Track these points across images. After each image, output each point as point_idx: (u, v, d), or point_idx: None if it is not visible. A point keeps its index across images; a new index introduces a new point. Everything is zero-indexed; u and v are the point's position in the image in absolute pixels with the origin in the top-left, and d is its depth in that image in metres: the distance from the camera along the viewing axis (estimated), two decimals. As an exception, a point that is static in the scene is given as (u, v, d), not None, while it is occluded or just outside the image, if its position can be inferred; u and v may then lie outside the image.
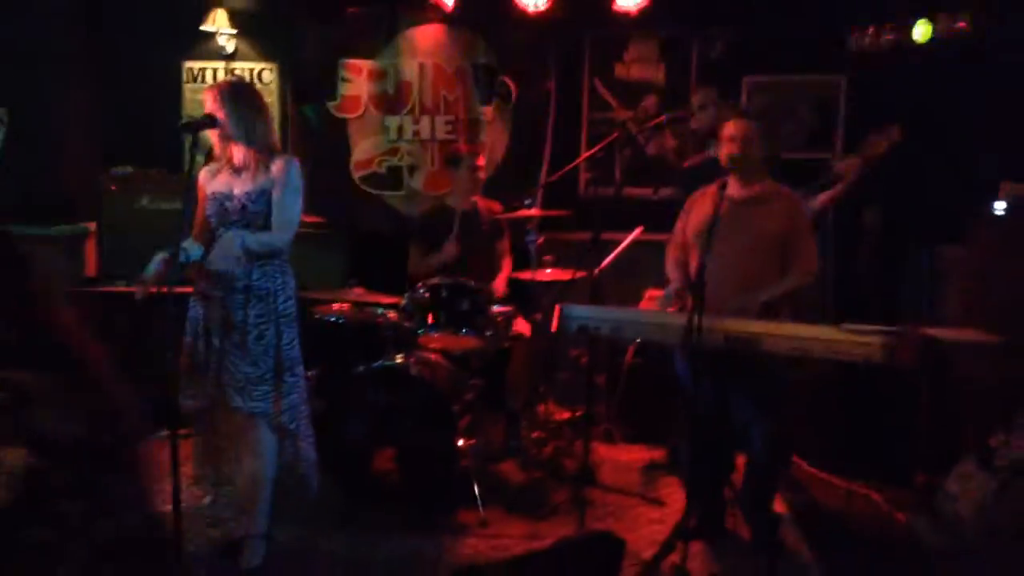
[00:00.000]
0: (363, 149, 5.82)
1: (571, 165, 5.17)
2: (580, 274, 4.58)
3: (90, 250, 5.43)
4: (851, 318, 3.25)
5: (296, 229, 3.52)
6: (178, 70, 5.90)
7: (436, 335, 4.32)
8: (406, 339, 4.30)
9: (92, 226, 5.40)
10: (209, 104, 3.40)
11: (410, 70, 5.74)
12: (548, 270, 4.83)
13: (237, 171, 3.49)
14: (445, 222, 4.97)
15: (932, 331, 3.41)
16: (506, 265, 5.03)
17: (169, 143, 5.66)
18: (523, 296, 4.93)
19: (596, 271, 4.86)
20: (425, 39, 5.72)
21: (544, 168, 5.68)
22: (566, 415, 5.08)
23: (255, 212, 3.44)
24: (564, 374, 5.42)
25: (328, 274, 5.37)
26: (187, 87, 5.90)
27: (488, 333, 4.37)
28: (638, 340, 4.75)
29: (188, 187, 3.31)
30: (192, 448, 3.63)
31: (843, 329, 3.16)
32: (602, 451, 5.00)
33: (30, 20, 5.38)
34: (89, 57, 5.74)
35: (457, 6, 5.56)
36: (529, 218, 4.84)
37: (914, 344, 3.29)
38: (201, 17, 5.71)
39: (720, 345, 3.27)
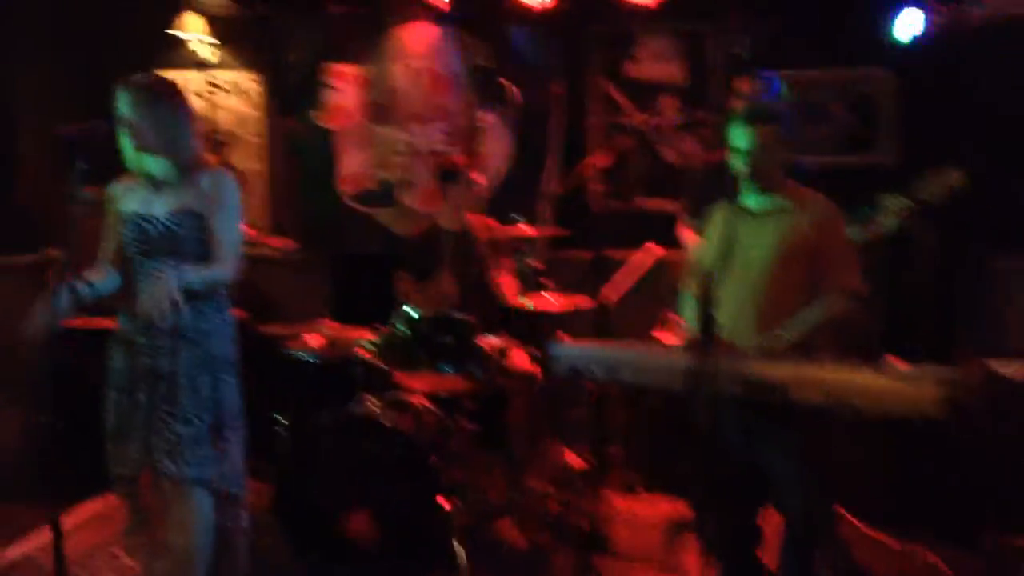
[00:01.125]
0: (352, 163, 5.29)
1: (580, 174, 4.60)
2: (585, 301, 3.99)
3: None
4: (900, 346, 2.64)
5: (239, 257, 2.97)
6: (150, 81, 5.40)
7: (415, 375, 3.77)
8: (379, 380, 3.74)
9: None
10: (123, 108, 2.86)
11: (400, 75, 5.20)
12: (549, 296, 4.24)
13: (157, 187, 2.95)
14: (436, 246, 4.42)
15: (997, 365, 2.77)
16: (508, 287, 4.43)
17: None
18: (521, 326, 4.34)
19: (611, 297, 4.30)
20: (416, 40, 5.19)
21: (550, 180, 5.09)
22: (578, 462, 4.47)
23: (183, 236, 2.90)
24: (577, 412, 4.80)
25: (307, 303, 4.86)
26: (162, 100, 5.40)
27: (476, 370, 3.80)
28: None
29: (69, 210, 2.74)
30: (125, 513, 3.11)
31: (888, 372, 2.53)
32: (618, 504, 4.35)
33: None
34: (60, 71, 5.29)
35: (452, 3, 5.02)
36: (524, 238, 4.24)
37: (977, 383, 2.67)
38: (171, 21, 5.22)
39: (738, 393, 2.66)
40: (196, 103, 5.31)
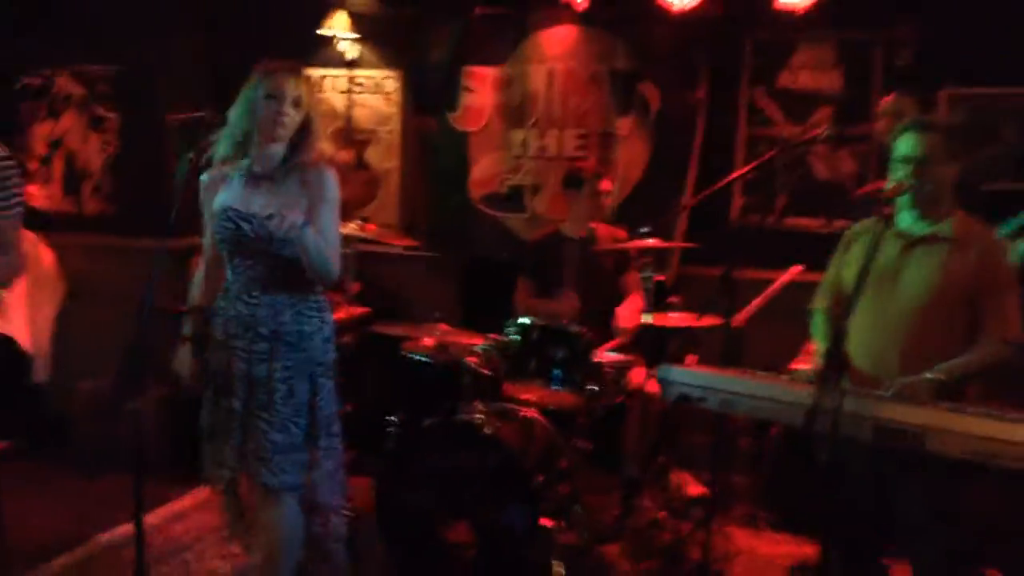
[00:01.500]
0: (484, 166, 5.20)
1: (717, 186, 4.32)
2: (712, 320, 3.74)
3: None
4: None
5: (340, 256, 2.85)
6: (297, 77, 5.48)
7: (526, 386, 3.62)
8: (488, 388, 3.61)
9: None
10: (291, 90, 2.73)
11: (537, 77, 5.06)
12: (675, 313, 4.01)
13: (256, 182, 2.82)
14: (558, 254, 4.27)
15: None
16: (634, 303, 4.22)
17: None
18: (643, 343, 4.12)
19: (741, 317, 4.03)
20: (555, 42, 5.04)
21: (687, 191, 4.84)
22: (697, 490, 4.21)
23: (282, 240, 2.72)
24: (701, 436, 4.53)
25: (431, 304, 4.77)
26: (306, 96, 5.47)
27: (590, 386, 3.62)
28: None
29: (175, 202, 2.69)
30: (222, 506, 3.08)
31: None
32: (738, 538, 4.06)
33: (134, 8, 5.14)
34: (207, 65, 5.43)
35: (592, 5, 4.84)
36: (648, 250, 4.01)
37: None
38: (320, 20, 5.27)
39: (866, 437, 2.38)
40: (338, 100, 5.40)
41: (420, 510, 3.44)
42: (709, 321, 3.69)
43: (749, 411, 2.64)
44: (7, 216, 3.04)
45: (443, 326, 3.84)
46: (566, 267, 4.22)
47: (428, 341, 3.88)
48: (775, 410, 2.57)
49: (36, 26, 5.35)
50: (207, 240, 2.94)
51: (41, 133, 5.45)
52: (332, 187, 2.82)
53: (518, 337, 3.60)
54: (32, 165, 5.46)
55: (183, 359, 2.91)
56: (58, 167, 5.46)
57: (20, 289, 5.19)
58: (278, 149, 2.80)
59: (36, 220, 5.43)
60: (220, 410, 2.86)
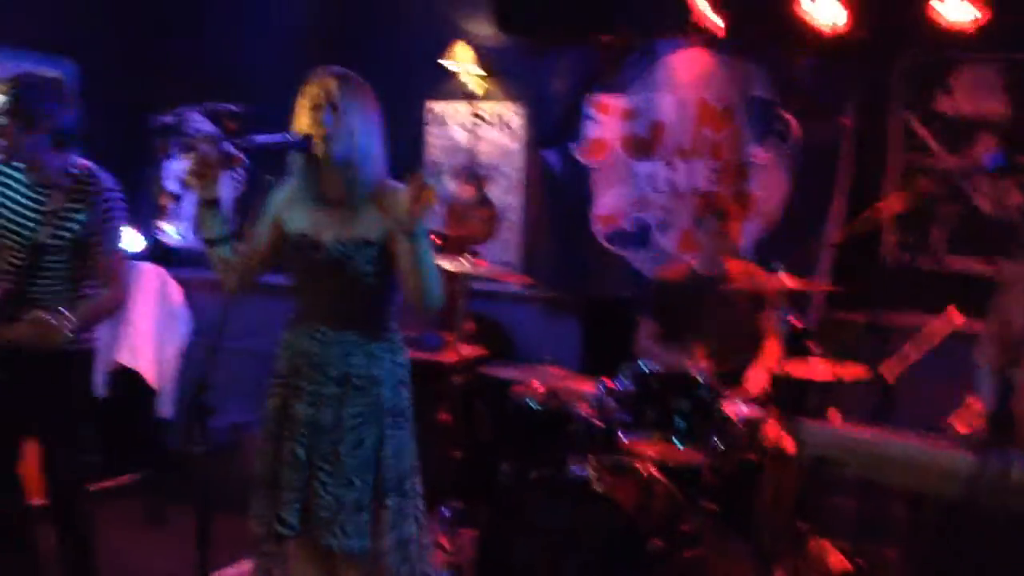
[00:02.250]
0: (608, 201, 4.92)
1: (864, 219, 3.92)
2: (857, 371, 3.33)
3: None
4: None
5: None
6: (419, 110, 5.39)
7: (643, 439, 3.30)
8: (601, 440, 3.31)
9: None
10: (322, 98, 2.51)
11: (667, 106, 4.76)
12: (815, 361, 3.59)
13: (330, 205, 2.61)
14: (686, 293, 3.95)
15: None
16: (770, 350, 3.84)
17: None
18: (780, 395, 3.71)
19: (895, 370, 3.59)
20: (688, 69, 4.73)
21: (832, 226, 4.41)
22: (841, 562, 3.74)
23: (351, 273, 2.52)
24: (845, 500, 4.04)
25: (550, 346, 4.52)
26: (429, 130, 5.37)
27: (717, 441, 3.27)
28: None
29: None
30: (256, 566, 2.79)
31: None
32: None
33: (262, 47, 5.17)
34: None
35: (730, 28, 4.52)
36: (792, 291, 3.61)
37: None
38: (443, 52, 5.16)
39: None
40: (460, 135, 5.26)
41: (525, 569, 3.16)
42: (853, 372, 3.27)
43: (897, 479, 2.24)
44: (114, 248, 3.01)
45: (554, 369, 3.57)
46: (694, 307, 3.89)
47: (538, 385, 3.61)
48: (928, 479, 2.17)
49: (169, 65, 5.48)
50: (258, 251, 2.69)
51: (174, 170, 5.54)
52: None
53: (634, 384, 3.28)
54: (164, 202, 5.55)
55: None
56: (189, 204, 5.53)
57: (148, 324, 5.26)
58: (343, 166, 2.55)
59: (166, 256, 5.54)
60: (277, 457, 2.60)
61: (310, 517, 2.52)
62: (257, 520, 2.63)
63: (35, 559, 3.28)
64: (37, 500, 3.26)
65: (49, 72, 3.18)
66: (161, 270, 5.36)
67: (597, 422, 3.31)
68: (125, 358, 5.11)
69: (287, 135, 2.50)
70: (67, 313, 2.82)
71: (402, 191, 2.46)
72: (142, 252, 5.38)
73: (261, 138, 2.50)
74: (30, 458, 3.37)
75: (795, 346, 3.65)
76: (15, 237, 3.00)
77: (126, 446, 5.05)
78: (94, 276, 3.03)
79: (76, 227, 2.96)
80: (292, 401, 2.58)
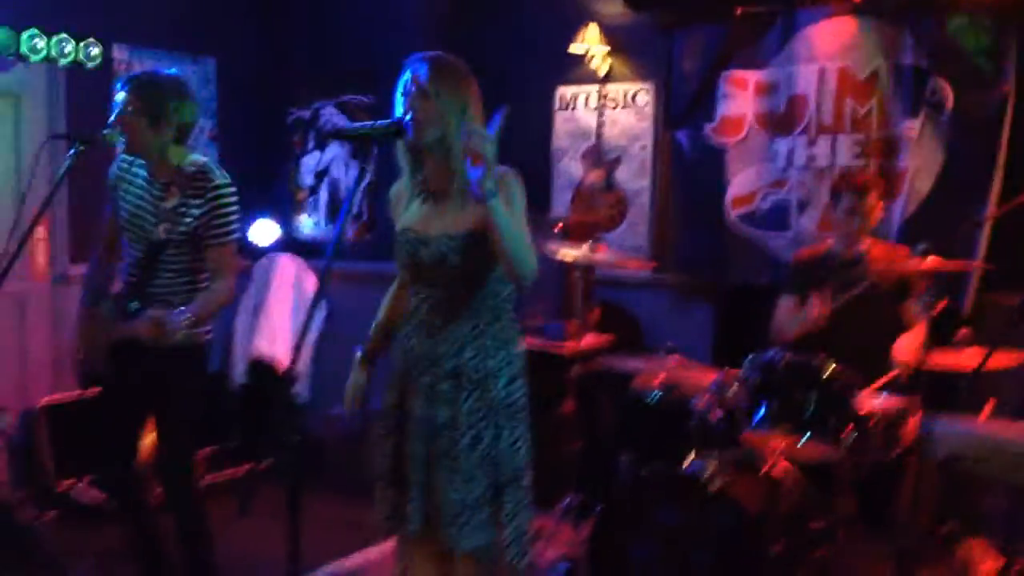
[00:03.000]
0: (743, 181, 4.66)
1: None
2: (1011, 359, 2.99)
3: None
4: None
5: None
6: (549, 97, 5.27)
7: (770, 433, 3.07)
8: (720, 434, 3.11)
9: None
10: (410, 83, 2.44)
11: (807, 79, 4.45)
12: (966, 349, 3.25)
13: (437, 198, 2.54)
14: (824, 275, 3.67)
15: None
16: (919, 331, 3.50)
17: (540, 177, 5.08)
18: (926, 386, 3.39)
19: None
20: (828, 38, 4.40)
21: (990, 203, 4.01)
22: (992, 563, 3.39)
23: (459, 266, 2.44)
24: (997, 499, 3.65)
25: (683, 334, 4.33)
26: (558, 115, 5.25)
27: (851, 437, 3.01)
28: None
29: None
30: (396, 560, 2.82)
31: None
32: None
33: (393, 41, 5.17)
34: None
35: (874, -9, 4.18)
36: (927, 273, 3.29)
37: None
38: (573, 36, 5.02)
39: None
40: (588, 118, 5.12)
41: (639, 566, 3.01)
42: (1009, 360, 2.94)
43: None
44: (225, 243, 3.07)
45: (676, 358, 3.39)
46: (832, 289, 3.61)
47: (659, 377, 3.44)
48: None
49: (304, 61, 5.59)
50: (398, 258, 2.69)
51: (309, 164, 5.66)
52: (517, 188, 2.45)
53: (758, 375, 3.07)
54: (300, 195, 5.68)
55: (354, 382, 2.73)
56: (323, 196, 5.64)
57: (284, 314, 5.40)
58: (443, 155, 2.46)
59: (302, 247, 5.67)
60: (396, 454, 2.57)
61: (433, 515, 2.49)
62: (382, 516, 2.63)
63: (159, 546, 3.40)
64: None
65: (172, 70, 3.25)
66: (297, 260, 5.50)
67: (718, 414, 3.10)
68: (264, 348, 5.28)
69: (375, 122, 2.43)
70: (184, 312, 2.87)
71: (506, 172, 2.39)
72: (278, 243, 5.54)
73: (349, 127, 2.46)
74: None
75: (944, 333, 3.31)
76: (137, 232, 3.10)
77: (265, 434, 5.22)
78: (210, 272, 3.09)
79: (191, 222, 3.03)
80: (408, 397, 2.54)
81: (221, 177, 3.09)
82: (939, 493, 3.40)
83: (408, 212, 2.58)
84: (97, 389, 3.35)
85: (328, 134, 2.21)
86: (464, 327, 2.49)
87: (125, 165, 3.19)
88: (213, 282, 3.09)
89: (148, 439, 3.44)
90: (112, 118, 3.04)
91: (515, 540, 2.49)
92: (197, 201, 3.03)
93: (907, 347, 3.40)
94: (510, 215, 2.32)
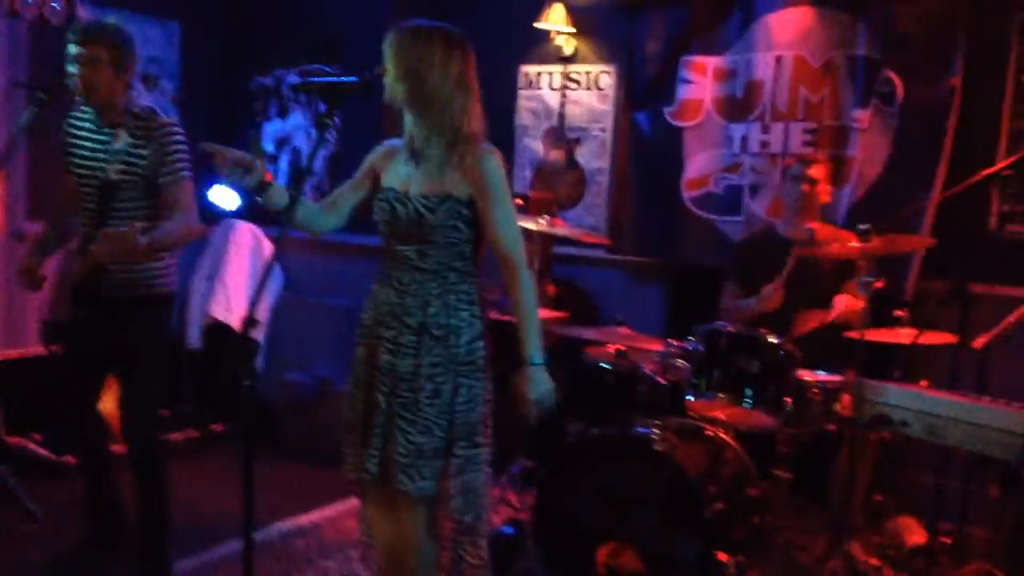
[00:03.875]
0: (699, 164, 4.77)
1: (967, 183, 3.67)
2: (943, 339, 3.13)
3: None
4: None
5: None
6: (513, 75, 5.34)
7: (711, 402, 3.18)
8: (665, 402, 3.21)
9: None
10: (387, 45, 2.55)
11: (764, 66, 4.57)
12: (902, 330, 3.39)
13: (415, 158, 2.64)
14: (770, 254, 3.79)
15: None
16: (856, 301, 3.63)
17: (503, 153, 5.13)
18: (862, 363, 3.52)
19: (981, 339, 3.36)
20: (786, 27, 4.52)
21: (935, 192, 4.15)
22: (921, 538, 3.55)
23: (434, 226, 2.55)
24: (929, 476, 3.81)
25: (637, 311, 4.43)
26: (522, 93, 5.32)
27: (791, 408, 3.13)
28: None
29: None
30: (359, 517, 2.89)
31: None
32: (974, 604, 3.38)
33: (359, 11, 5.22)
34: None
35: (831, -18, 4.30)
36: (867, 253, 3.42)
37: None
38: (537, 15, 5.09)
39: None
40: (551, 98, 5.20)
41: (583, 528, 3.11)
42: (938, 339, 3.08)
43: (960, 441, 2.09)
44: (177, 179, 3.10)
45: (624, 330, 3.49)
46: (776, 268, 3.73)
47: (611, 346, 3.54)
48: (1000, 442, 2.01)
49: (267, 28, 5.59)
50: (344, 192, 2.79)
51: (271, 131, 5.67)
52: (495, 175, 2.57)
53: (702, 345, 3.17)
54: (261, 161, 5.68)
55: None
56: (283, 164, 5.65)
57: (242, 280, 5.42)
58: (430, 120, 2.57)
59: (261, 214, 5.67)
60: (361, 407, 2.66)
61: (387, 462, 2.56)
62: (349, 467, 2.70)
63: (116, 501, 3.43)
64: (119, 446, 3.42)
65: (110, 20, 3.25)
66: (255, 227, 5.52)
67: (662, 381, 3.21)
68: (219, 312, 5.29)
69: (342, 77, 2.51)
70: (135, 225, 2.92)
71: (487, 149, 2.53)
72: (238, 210, 5.54)
73: (317, 79, 2.53)
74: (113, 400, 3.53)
75: (882, 313, 3.45)
76: (88, 178, 3.13)
77: (218, 397, 5.24)
78: (166, 211, 3.12)
79: (142, 162, 3.07)
80: (376, 350, 2.63)
81: (169, 118, 3.18)
82: (872, 468, 3.54)
83: (392, 173, 2.66)
84: (56, 347, 3.37)
85: (297, 85, 2.26)
86: (431, 285, 2.59)
87: (72, 119, 3.23)
88: (170, 219, 3.12)
89: (111, 394, 3.47)
90: (74, 66, 3.05)
91: (462, 493, 2.58)
92: (144, 141, 3.09)
93: (846, 301, 3.55)
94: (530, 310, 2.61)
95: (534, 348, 2.60)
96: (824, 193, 3.84)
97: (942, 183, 4.14)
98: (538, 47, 5.23)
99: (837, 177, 4.30)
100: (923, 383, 3.34)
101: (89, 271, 3.09)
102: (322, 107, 5.35)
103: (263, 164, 2.62)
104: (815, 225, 3.76)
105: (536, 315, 2.62)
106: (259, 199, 2.63)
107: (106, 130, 3.13)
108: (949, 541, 3.40)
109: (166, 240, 3.08)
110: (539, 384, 2.60)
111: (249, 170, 2.57)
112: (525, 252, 2.62)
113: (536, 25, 5.06)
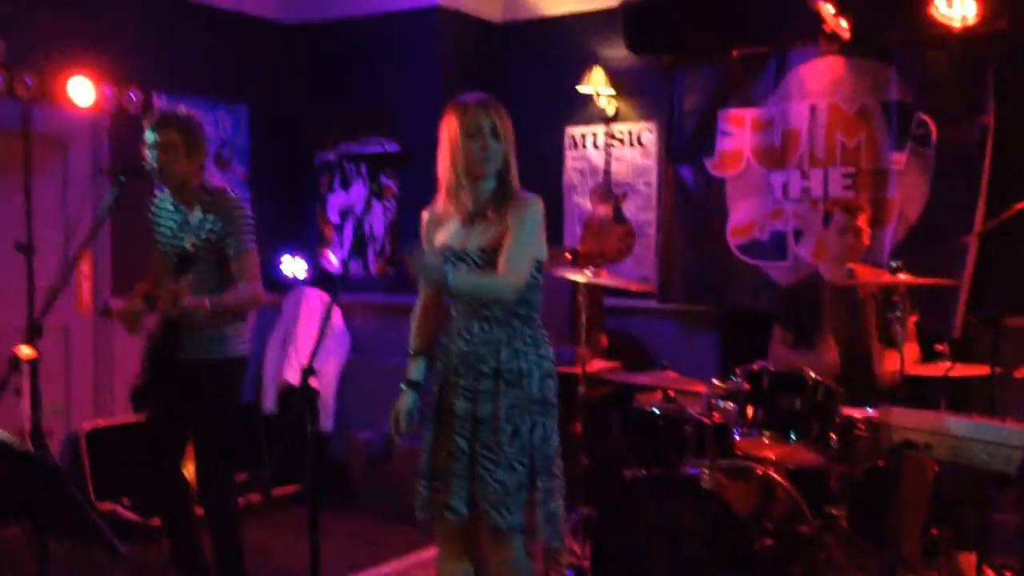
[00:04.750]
0: (742, 212, 4.92)
1: (1004, 216, 3.75)
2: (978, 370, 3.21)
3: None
4: None
5: (526, 277, 2.76)
6: (559, 137, 5.58)
7: (760, 441, 3.29)
8: (711, 441, 3.33)
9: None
10: (488, 124, 2.74)
11: (799, 115, 4.73)
12: (946, 364, 3.46)
13: (471, 219, 2.83)
14: (817, 298, 3.91)
15: None
16: (909, 349, 3.71)
17: (551, 211, 5.34)
18: (905, 396, 3.60)
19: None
20: (818, 77, 4.68)
21: (975, 229, 4.22)
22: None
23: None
24: (999, 513, 3.79)
25: (693, 359, 4.56)
26: (568, 154, 5.56)
27: (838, 445, 3.22)
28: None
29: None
30: (440, 555, 3.04)
31: None
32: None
33: (413, 86, 5.51)
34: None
35: (858, 33, 4.44)
36: (895, 287, 3.51)
37: None
38: (579, 79, 5.34)
39: None
40: (596, 156, 5.42)
41: (639, 569, 3.22)
42: (971, 371, 3.15)
43: (985, 462, 2.18)
44: (244, 250, 3.39)
45: (671, 373, 3.63)
46: (821, 312, 3.85)
47: (658, 391, 3.68)
48: (1012, 459, 2.11)
49: (330, 107, 5.93)
50: (422, 282, 2.94)
51: (335, 203, 5.97)
52: (529, 215, 2.77)
53: (744, 385, 3.30)
54: (328, 232, 5.99)
55: (403, 406, 2.94)
56: (348, 233, 5.94)
57: (312, 344, 5.67)
58: (488, 185, 2.80)
59: (329, 281, 5.96)
60: (442, 451, 2.83)
61: (477, 502, 2.75)
62: (425, 510, 2.87)
63: (200, 562, 3.62)
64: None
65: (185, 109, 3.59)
66: (324, 294, 5.80)
67: (707, 421, 3.33)
68: (292, 376, 5.55)
69: (385, 150, 2.75)
70: (201, 297, 3.23)
71: (529, 199, 2.77)
72: (307, 278, 5.84)
73: (360, 150, 2.77)
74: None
75: (925, 347, 3.54)
76: (169, 252, 3.44)
77: (294, 458, 5.47)
78: (236, 280, 3.40)
79: (213, 235, 3.37)
80: (451, 398, 2.82)
81: (236, 194, 3.52)
82: (928, 502, 3.58)
83: (443, 232, 2.87)
84: (142, 415, 3.62)
85: (343, 157, 2.51)
86: (499, 332, 2.80)
87: (156, 201, 3.55)
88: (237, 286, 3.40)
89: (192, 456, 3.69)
90: (151, 152, 3.36)
91: (548, 521, 2.79)
92: (213, 215, 3.39)
93: (890, 360, 3.63)
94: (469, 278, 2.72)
95: (458, 272, 2.71)
96: (865, 237, 3.95)
97: (982, 219, 4.22)
98: (581, 109, 5.48)
99: (878, 219, 4.41)
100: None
101: (160, 329, 3.37)
102: (383, 178, 5.65)
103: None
104: (855, 266, 3.87)
105: (478, 284, 2.75)
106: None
107: (183, 208, 3.44)
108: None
109: (230, 304, 3.36)
110: (427, 258, 2.69)
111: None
112: (520, 284, 2.72)
113: (579, 88, 5.32)
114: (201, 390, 3.41)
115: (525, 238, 2.74)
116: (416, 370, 2.95)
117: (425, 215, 2.96)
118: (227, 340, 3.45)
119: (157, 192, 3.59)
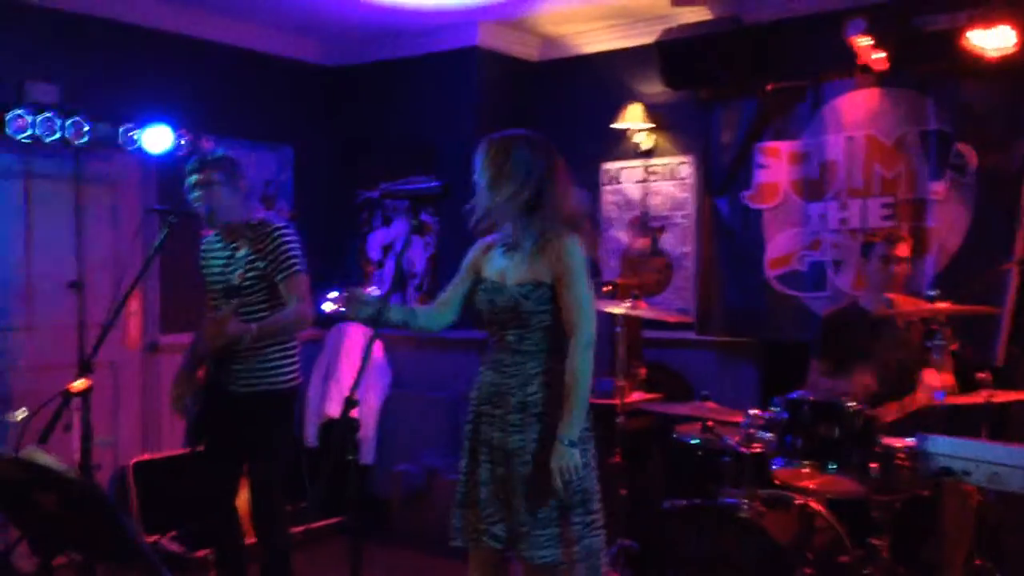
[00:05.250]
0: (780, 243, 4.92)
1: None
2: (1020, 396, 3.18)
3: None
4: None
5: (594, 321, 2.81)
6: (596, 172, 5.64)
7: (799, 470, 3.28)
8: (750, 471, 3.32)
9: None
10: (475, 161, 2.86)
11: (836, 147, 4.74)
12: (988, 391, 3.43)
13: (511, 252, 2.88)
14: (856, 328, 3.90)
15: None
16: (944, 379, 3.68)
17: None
18: (943, 425, 3.57)
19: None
20: (854, 108, 4.70)
21: (1017, 256, 4.19)
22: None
23: (529, 312, 2.80)
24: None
25: (733, 390, 4.56)
26: (605, 188, 5.61)
27: (876, 475, 3.20)
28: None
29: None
30: None
31: None
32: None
33: (452, 125, 5.61)
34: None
35: (894, 65, 4.46)
36: (936, 316, 3.49)
37: None
38: (615, 115, 5.40)
39: None
40: (633, 190, 5.46)
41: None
42: (1010, 397, 3.12)
43: (1018, 485, 2.17)
44: (291, 274, 3.47)
45: (711, 404, 3.63)
46: (860, 343, 3.83)
47: (697, 422, 3.68)
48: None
49: (369, 145, 6.05)
50: (451, 292, 3.02)
51: (376, 240, 6.08)
52: (574, 254, 2.81)
53: (783, 413, 3.29)
54: (368, 269, 6.08)
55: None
56: (389, 269, 6.03)
57: (351, 376, 5.76)
58: (517, 218, 2.84)
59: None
60: (476, 480, 2.86)
61: (511, 532, 2.78)
62: (461, 536, 2.90)
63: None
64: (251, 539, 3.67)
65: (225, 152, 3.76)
66: (365, 329, 5.87)
67: (745, 451, 3.33)
68: (334, 411, 5.63)
69: (419, 186, 2.82)
70: (248, 325, 3.32)
71: (570, 236, 2.80)
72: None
73: (397, 188, 2.86)
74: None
75: (964, 376, 3.51)
76: (218, 287, 3.52)
77: (335, 490, 5.51)
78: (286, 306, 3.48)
79: (261, 265, 3.45)
80: (485, 428, 2.86)
81: (280, 221, 3.61)
82: (973, 532, 3.53)
83: (491, 264, 2.92)
84: (192, 448, 3.70)
85: (382, 195, 2.59)
86: (530, 365, 2.83)
87: (204, 243, 3.66)
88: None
89: (243, 488, 3.75)
90: (194, 192, 3.47)
91: (584, 558, 2.77)
92: (262, 246, 3.49)
93: (934, 377, 3.59)
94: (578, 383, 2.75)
95: (567, 426, 2.72)
96: (906, 267, 3.93)
97: (1022, 246, 4.19)
98: (618, 145, 5.54)
99: (917, 248, 4.38)
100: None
101: (207, 357, 3.46)
102: (423, 215, 5.74)
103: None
104: (894, 296, 3.86)
105: (582, 393, 2.75)
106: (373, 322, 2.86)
107: (231, 245, 3.53)
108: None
109: (276, 324, 3.43)
110: (561, 457, 2.70)
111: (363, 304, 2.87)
112: (593, 334, 2.79)
113: (614, 126, 5.38)
114: (256, 422, 3.48)
115: (581, 286, 2.79)
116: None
117: (478, 245, 3.01)
118: (279, 371, 3.52)
119: (206, 234, 3.70)
